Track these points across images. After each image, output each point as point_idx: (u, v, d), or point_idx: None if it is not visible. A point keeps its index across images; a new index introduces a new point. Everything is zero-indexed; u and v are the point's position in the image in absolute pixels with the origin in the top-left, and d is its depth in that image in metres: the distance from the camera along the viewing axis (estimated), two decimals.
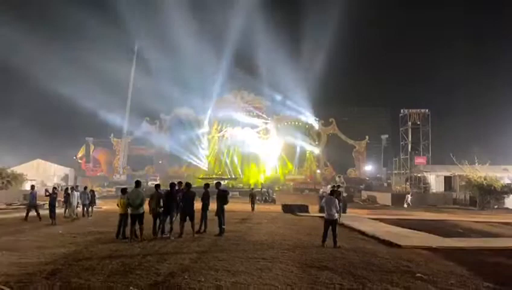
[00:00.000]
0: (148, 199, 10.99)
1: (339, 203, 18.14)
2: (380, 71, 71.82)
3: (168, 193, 10.99)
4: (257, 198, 29.16)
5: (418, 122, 37.97)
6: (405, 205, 28.18)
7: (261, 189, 33.06)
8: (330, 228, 10.12)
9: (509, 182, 29.61)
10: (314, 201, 24.26)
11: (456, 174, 33.04)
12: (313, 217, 18.61)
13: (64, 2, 57.30)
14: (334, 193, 11.38)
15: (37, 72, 46.81)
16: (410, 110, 38.37)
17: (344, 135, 56.58)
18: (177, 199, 10.93)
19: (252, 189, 24.27)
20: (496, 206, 27.45)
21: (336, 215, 10.39)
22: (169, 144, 56.65)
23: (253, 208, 21.56)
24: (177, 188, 11.20)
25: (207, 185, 12.31)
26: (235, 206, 21.76)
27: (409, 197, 29.03)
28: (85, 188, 18.48)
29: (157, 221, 10.95)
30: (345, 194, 19.78)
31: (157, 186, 11.56)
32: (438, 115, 41.30)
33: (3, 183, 29.29)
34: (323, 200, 10.92)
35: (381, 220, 18.08)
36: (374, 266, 7.86)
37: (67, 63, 52.28)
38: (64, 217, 16.58)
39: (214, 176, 51.29)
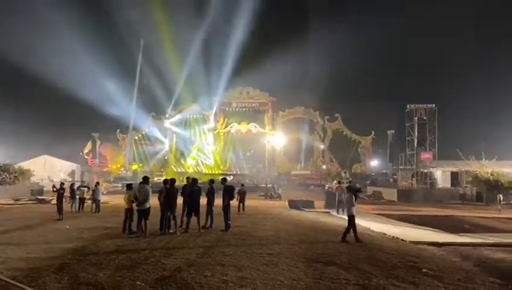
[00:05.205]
0: (158, 194, 11.03)
1: (356, 197, 18.44)
2: (385, 66, 71.27)
3: (168, 189, 10.92)
4: (266, 194, 29.44)
5: (425, 118, 37.53)
6: (499, 207, 21.59)
7: (267, 185, 33.06)
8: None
9: None
10: (320, 197, 24.24)
11: (463, 169, 32.81)
12: (318, 213, 18.64)
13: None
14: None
15: (44, 67, 46.79)
16: (416, 106, 37.95)
17: (349, 130, 56.30)
18: (176, 195, 10.95)
19: (242, 185, 20.68)
20: (503, 202, 27.29)
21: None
22: (175, 139, 56.90)
23: (241, 208, 17.84)
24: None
25: (212, 181, 12.30)
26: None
27: (501, 197, 22.64)
28: (97, 183, 18.65)
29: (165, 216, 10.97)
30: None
31: (165, 181, 11.55)
32: (445, 110, 40.81)
33: (10, 179, 29.51)
34: (346, 197, 10.92)
35: (387, 215, 18.09)
36: (380, 261, 7.86)
37: (74, 58, 52.41)
38: (71, 212, 16.79)
39: (220, 171, 51.36)
